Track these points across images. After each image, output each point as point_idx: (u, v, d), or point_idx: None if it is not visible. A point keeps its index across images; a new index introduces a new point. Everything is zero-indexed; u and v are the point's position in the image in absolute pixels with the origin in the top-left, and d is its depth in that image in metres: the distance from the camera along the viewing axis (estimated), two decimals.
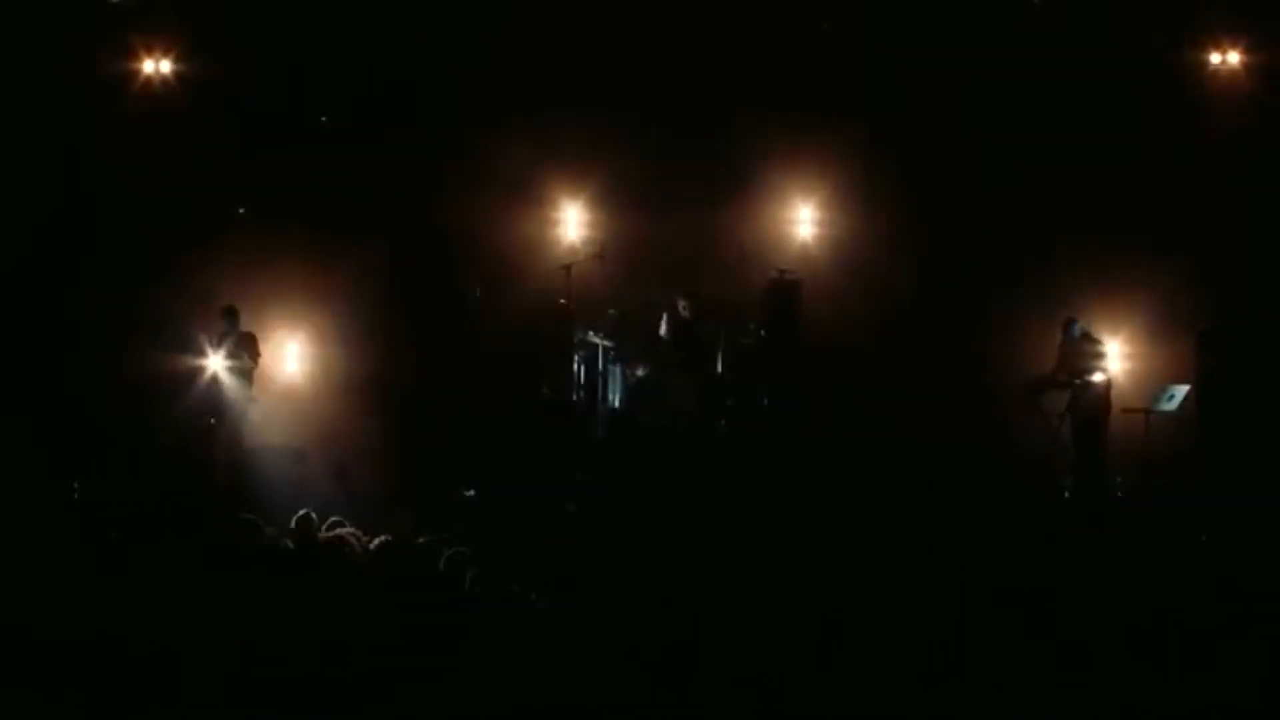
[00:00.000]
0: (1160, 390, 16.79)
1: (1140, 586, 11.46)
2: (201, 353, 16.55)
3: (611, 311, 17.37)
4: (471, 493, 15.95)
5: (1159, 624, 10.28)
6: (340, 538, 11.49)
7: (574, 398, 17.34)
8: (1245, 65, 17.69)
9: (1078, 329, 16.93)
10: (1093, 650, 9.79)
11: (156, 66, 17.58)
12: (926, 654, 9.62)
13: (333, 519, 12.22)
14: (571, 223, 17.91)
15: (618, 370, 17.29)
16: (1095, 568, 12.16)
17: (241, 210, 17.80)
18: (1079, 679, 9.18)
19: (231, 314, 16.85)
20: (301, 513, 12.38)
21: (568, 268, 17.18)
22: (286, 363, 17.65)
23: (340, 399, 17.32)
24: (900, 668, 9.33)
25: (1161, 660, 9.54)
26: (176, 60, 17.58)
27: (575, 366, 17.34)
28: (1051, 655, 9.61)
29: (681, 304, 17.18)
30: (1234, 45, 17.69)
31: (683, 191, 17.76)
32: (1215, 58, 17.75)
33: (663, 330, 17.26)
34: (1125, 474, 16.71)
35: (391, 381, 17.32)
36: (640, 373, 17.12)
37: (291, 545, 11.78)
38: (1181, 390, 16.63)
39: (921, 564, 12.18)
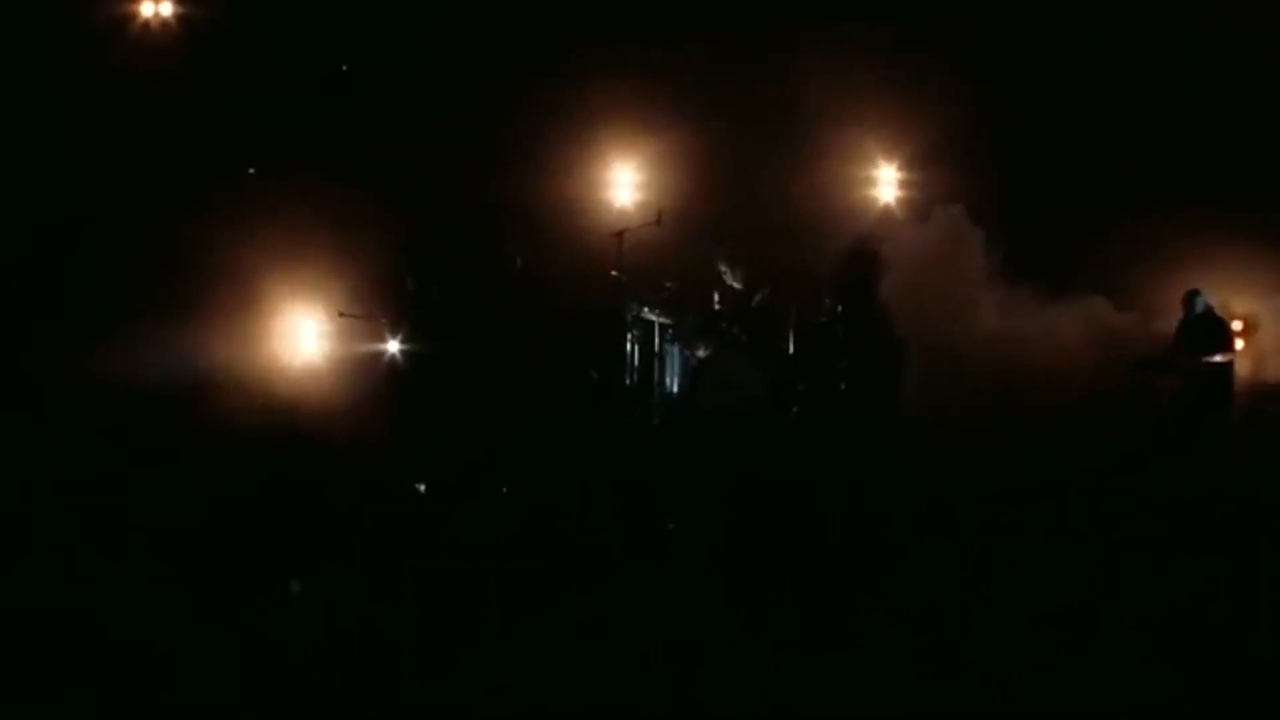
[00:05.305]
0: None
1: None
2: None
3: (668, 284, 17.20)
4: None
5: None
6: None
7: (627, 381, 17.22)
8: None
9: (1200, 303, 16.12)
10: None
11: (156, 9, 17.37)
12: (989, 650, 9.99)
13: None
14: (624, 184, 17.55)
15: (675, 350, 17.23)
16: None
17: (251, 170, 17.23)
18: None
19: None
20: None
21: (620, 234, 16.91)
22: (303, 341, 16.89)
23: (363, 382, 16.63)
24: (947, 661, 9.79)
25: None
26: (178, 2, 17.38)
27: (628, 346, 17.24)
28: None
29: (723, 269, 17.23)
30: None
31: (748, 148, 17.37)
32: None
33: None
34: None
35: (421, 363, 16.80)
36: (701, 353, 16.94)
37: None
38: None
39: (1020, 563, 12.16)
